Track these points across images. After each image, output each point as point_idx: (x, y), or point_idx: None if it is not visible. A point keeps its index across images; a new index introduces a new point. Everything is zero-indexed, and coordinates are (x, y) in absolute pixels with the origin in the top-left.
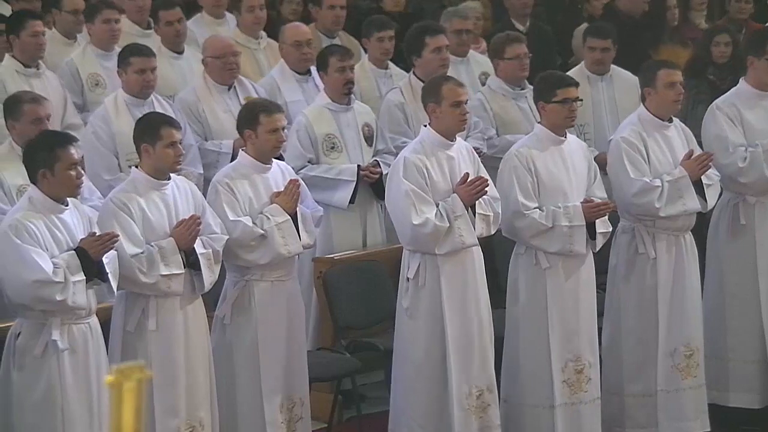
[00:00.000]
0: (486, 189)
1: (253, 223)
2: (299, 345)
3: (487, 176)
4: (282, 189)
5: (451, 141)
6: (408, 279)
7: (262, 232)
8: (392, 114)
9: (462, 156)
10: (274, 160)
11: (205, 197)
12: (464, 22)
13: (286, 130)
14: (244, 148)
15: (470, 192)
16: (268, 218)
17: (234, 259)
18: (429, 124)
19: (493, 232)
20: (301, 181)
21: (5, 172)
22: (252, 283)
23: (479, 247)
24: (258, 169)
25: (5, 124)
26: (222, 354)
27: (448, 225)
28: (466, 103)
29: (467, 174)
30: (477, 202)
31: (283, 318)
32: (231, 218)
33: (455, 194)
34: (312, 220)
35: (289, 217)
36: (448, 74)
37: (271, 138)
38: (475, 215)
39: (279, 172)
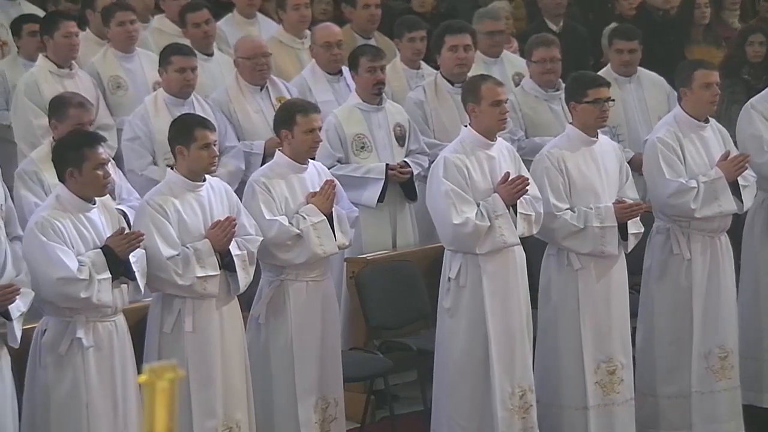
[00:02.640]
0: (527, 188)
1: (289, 222)
2: (334, 345)
3: (528, 175)
4: (318, 189)
5: (492, 141)
6: (450, 279)
7: (298, 231)
8: (411, 112)
9: (503, 155)
10: (310, 160)
11: (240, 197)
12: (496, 23)
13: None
14: (280, 148)
15: (511, 191)
16: (304, 218)
17: (270, 258)
18: (469, 123)
19: (535, 232)
20: (337, 182)
21: (46, 172)
22: (287, 283)
23: (521, 247)
24: (294, 169)
25: (48, 122)
26: (256, 353)
27: (488, 224)
28: (506, 102)
29: (508, 173)
30: (519, 201)
31: (318, 318)
32: (267, 217)
33: (496, 193)
34: (348, 220)
35: (325, 218)
36: (487, 74)
37: (307, 138)
38: (516, 215)
39: (315, 173)
